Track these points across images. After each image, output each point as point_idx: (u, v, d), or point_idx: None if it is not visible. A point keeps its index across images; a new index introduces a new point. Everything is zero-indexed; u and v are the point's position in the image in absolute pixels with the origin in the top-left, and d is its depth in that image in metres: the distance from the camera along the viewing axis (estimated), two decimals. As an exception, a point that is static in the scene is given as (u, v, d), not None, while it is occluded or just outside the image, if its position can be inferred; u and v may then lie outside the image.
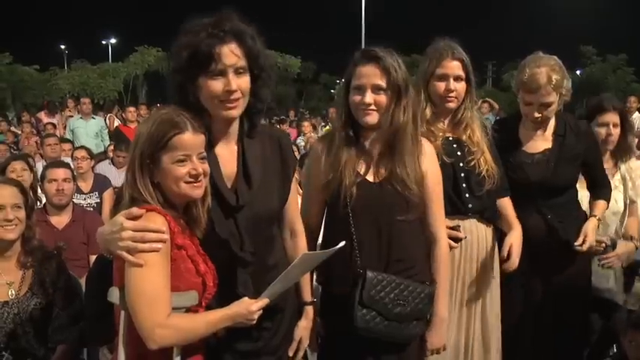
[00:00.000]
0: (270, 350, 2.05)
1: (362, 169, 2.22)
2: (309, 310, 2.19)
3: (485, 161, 2.57)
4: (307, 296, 2.20)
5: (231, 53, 1.84)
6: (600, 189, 3.00)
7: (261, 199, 1.98)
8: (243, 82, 1.89)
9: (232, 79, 1.85)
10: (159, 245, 1.67)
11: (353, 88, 2.19)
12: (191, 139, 1.76)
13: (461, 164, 2.56)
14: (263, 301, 1.80)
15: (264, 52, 1.95)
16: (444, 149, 2.53)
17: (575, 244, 2.74)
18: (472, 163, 2.56)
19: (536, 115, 2.77)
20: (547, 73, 2.68)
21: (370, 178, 2.22)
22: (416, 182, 2.19)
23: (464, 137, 2.60)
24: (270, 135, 2.11)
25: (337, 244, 1.90)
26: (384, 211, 2.19)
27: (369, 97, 2.15)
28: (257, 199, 1.97)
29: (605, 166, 3.13)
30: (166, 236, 1.68)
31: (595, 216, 2.89)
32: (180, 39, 1.88)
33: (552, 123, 2.88)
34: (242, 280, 1.95)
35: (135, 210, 1.71)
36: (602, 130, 3.22)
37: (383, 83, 2.15)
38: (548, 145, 2.86)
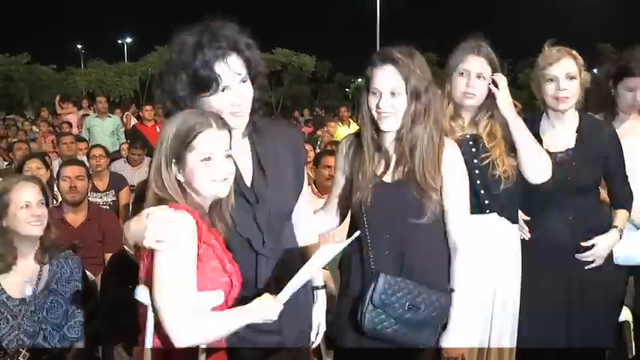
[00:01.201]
0: (290, 342, 2.05)
1: (379, 170, 2.21)
2: (321, 295, 2.20)
3: (503, 163, 2.52)
4: (318, 281, 2.21)
5: (231, 69, 1.84)
6: (621, 197, 2.87)
7: (278, 194, 1.99)
8: (247, 90, 1.90)
9: (236, 92, 1.86)
10: (183, 241, 1.67)
11: (370, 91, 2.17)
12: (216, 136, 1.75)
13: (475, 161, 2.52)
14: (284, 297, 1.79)
15: (259, 57, 1.95)
16: (460, 147, 2.46)
17: (582, 250, 2.68)
18: (486, 162, 2.52)
19: (563, 86, 2.67)
20: (567, 49, 2.75)
21: (387, 179, 2.21)
22: (434, 185, 2.15)
23: (484, 135, 2.57)
24: (279, 129, 2.12)
25: (351, 243, 1.89)
26: (397, 212, 2.16)
27: (385, 101, 2.12)
28: (274, 195, 1.98)
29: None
30: (190, 234, 1.68)
31: (616, 227, 2.78)
32: (173, 60, 1.86)
33: (575, 120, 2.79)
34: (263, 277, 1.95)
35: (163, 207, 1.71)
36: (629, 95, 3.10)
37: (399, 87, 2.11)
38: (571, 143, 2.76)
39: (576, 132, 2.77)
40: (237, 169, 1.91)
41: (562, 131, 2.78)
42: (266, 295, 1.79)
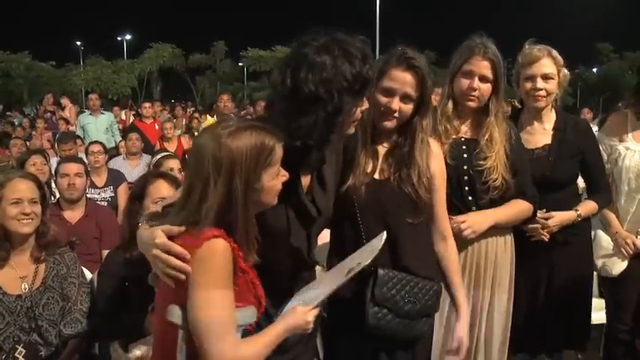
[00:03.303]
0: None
1: (369, 168, 2.20)
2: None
3: (497, 171, 2.48)
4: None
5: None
6: (597, 193, 2.95)
7: (329, 203, 2.00)
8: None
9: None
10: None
11: (381, 88, 2.13)
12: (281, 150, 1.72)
13: (465, 167, 2.50)
14: (316, 308, 1.78)
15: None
16: (452, 150, 2.49)
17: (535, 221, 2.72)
18: (479, 169, 2.49)
19: (539, 85, 2.78)
20: (547, 49, 2.82)
21: (377, 176, 2.20)
22: (424, 182, 2.17)
23: (482, 142, 2.53)
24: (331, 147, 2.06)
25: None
26: (390, 208, 2.16)
27: (396, 103, 2.11)
28: (328, 205, 2.00)
29: None
30: (189, 268, 1.61)
31: (577, 210, 2.84)
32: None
33: (552, 118, 2.89)
34: (300, 287, 1.93)
35: (175, 229, 1.65)
36: None
37: (414, 93, 2.11)
38: (548, 140, 2.85)
39: (553, 129, 2.87)
40: (301, 181, 1.92)
41: (540, 128, 2.88)
42: (298, 308, 1.77)
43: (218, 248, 1.60)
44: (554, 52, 2.82)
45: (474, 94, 2.51)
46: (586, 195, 3.12)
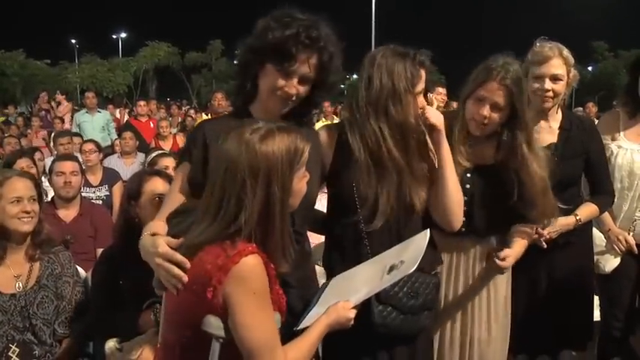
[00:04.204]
0: None
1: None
2: None
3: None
4: None
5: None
6: (600, 195, 2.89)
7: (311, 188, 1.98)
8: (303, 90, 2.00)
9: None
10: (264, 291, 1.61)
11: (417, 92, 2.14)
12: None
13: (466, 198, 2.34)
14: (357, 301, 1.82)
15: (334, 69, 2.04)
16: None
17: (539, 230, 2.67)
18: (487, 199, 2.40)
19: (547, 87, 2.72)
20: (558, 47, 2.75)
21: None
22: (426, 173, 2.18)
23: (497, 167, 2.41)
24: (307, 132, 2.08)
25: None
26: (394, 201, 2.15)
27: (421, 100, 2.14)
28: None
29: None
30: (185, 279, 1.62)
31: (576, 215, 2.77)
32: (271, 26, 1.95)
33: (558, 116, 2.85)
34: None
35: (174, 241, 1.68)
36: None
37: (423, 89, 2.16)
38: (554, 139, 2.81)
39: (559, 128, 2.83)
40: None
41: (546, 127, 2.83)
42: (340, 303, 1.79)
43: (257, 265, 1.59)
44: (566, 52, 2.76)
45: (484, 121, 2.38)
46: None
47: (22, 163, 4.68)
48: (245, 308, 1.58)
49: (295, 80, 1.97)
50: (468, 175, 2.45)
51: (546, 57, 2.73)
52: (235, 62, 2.11)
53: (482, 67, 2.39)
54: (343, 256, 2.23)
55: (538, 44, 2.79)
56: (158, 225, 1.88)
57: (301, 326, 1.80)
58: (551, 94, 2.74)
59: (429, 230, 1.97)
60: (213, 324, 1.62)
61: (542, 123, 2.83)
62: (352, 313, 1.80)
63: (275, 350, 1.61)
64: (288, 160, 1.61)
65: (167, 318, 1.77)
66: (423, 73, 2.14)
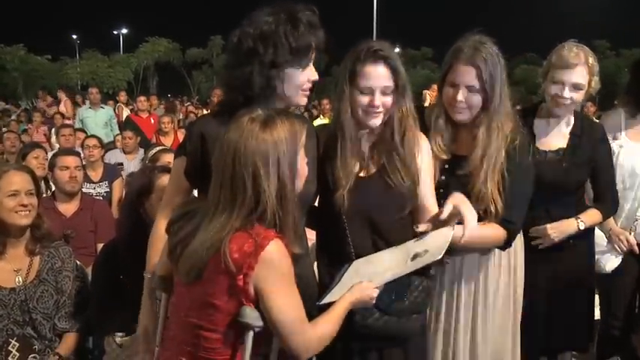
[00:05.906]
0: None
1: (355, 167, 2.16)
2: None
3: (481, 199, 2.23)
4: None
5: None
6: (604, 203, 2.86)
7: (308, 186, 1.97)
8: None
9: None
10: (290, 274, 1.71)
11: (360, 88, 2.08)
12: None
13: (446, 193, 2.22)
14: (377, 282, 1.90)
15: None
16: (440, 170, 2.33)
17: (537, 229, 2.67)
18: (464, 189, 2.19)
19: (566, 95, 2.62)
20: (585, 54, 2.63)
21: (362, 173, 2.17)
22: (410, 176, 2.13)
23: (472, 157, 2.26)
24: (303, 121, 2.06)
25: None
26: (374, 205, 2.13)
27: (379, 99, 2.07)
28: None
29: None
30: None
31: (578, 218, 2.72)
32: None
33: (571, 121, 2.78)
34: None
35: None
36: None
37: (391, 85, 2.08)
38: (563, 143, 2.74)
39: (570, 133, 2.77)
40: None
41: (556, 131, 2.78)
42: (364, 282, 1.88)
43: (282, 247, 1.65)
44: (592, 60, 2.63)
45: (460, 105, 2.24)
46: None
47: (39, 153, 4.92)
48: (277, 290, 1.66)
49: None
50: (446, 166, 2.34)
51: (571, 64, 2.61)
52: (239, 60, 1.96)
53: (453, 48, 2.27)
54: (329, 253, 2.22)
55: (566, 47, 2.66)
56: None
57: (323, 302, 1.88)
58: (568, 102, 2.65)
59: (452, 227, 1.95)
60: (250, 314, 1.67)
61: (553, 125, 2.76)
62: (375, 292, 1.88)
63: (305, 328, 1.71)
64: (292, 141, 1.68)
65: (180, 317, 1.77)
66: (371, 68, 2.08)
